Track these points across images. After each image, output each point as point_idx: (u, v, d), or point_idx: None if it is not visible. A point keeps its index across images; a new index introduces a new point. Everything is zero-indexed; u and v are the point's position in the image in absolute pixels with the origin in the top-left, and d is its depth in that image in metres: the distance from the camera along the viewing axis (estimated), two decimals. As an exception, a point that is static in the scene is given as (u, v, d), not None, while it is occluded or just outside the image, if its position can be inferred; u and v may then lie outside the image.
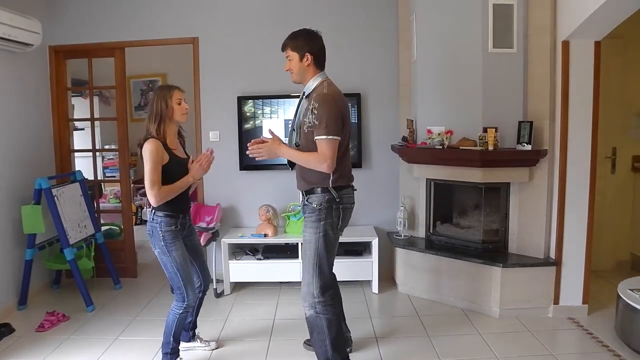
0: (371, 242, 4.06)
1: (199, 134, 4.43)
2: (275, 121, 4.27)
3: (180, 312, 2.77)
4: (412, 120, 4.01)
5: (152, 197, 2.60)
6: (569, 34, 3.25)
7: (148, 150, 2.60)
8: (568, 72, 3.36)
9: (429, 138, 3.74)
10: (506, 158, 3.50)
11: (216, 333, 3.40)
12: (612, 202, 4.38)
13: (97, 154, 4.86)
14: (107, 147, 6.12)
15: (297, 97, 2.82)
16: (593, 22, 3.03)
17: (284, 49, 2.65)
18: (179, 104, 2.72)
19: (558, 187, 3.45)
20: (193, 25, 4.36)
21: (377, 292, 4.08)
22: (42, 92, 4.38)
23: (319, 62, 2.65)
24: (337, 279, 2.92)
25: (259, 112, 4.32)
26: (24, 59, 4.05)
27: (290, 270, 4.08)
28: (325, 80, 2.63)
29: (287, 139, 2.82)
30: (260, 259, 4.13)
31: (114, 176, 6.39)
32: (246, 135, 4.26)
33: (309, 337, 3.13)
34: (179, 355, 2.88)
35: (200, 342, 3.15)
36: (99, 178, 5.09)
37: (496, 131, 3.46)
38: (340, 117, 2.53)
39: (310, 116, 2.52)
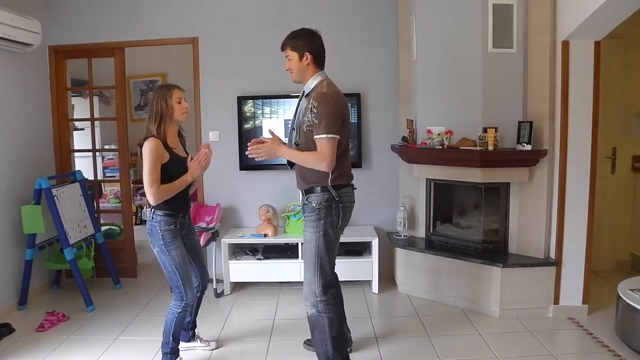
0: (371, 242, 4.06)
1: (198, 134, 4.43)
2: (275, 121, 4.27)
3: (179, 311, 2.77)
4: (412, 120, 4.01)
5: (150, 196, 2.60)
6: (569, 34, 3.25)
7: (147, 149, 2.61)
8: (568, 72, 3.36)
9: (429, 138, 3.74)
10: (506, 158, 3.50)
11: (216, 333, 3.40)
12: (612, 202, 4.38)
13: (97, 154, 4.86)
14: (107, 147, 6.12)
15: (297, 97, 2.82)
16: (593, 22, 3.03)
17: (283, 48, 2.65)
18: (179, 103, 2.72)
19: (558, 187, 3.45)
20: (193, 25, 4.36)
21: (377, 292, 4.08)
22: (42, 92, 4.38)
23: (319, 62, 2.65)
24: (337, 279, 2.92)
25: (259, 112, 4.32)
26: (24, 59, 4.05)
27: (290, 270, 4.08)
28: (325, 79, 2.64)
29: (287, 138, 2.82)
30: (260, 259, 4.13)
31: (114, 176, 6.38)
32: (246, 135, 4.26)
33: (308, 337, 3.14)
34: (178, 355, 2.88)
35: (200, 342, 3.15)
36: (98, 178, 5.09)
37: (496, 131, 3.46)
38: (340, 116, 2.54)
39: (310, 115, 2.52)
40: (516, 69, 3.51)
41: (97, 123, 4.83)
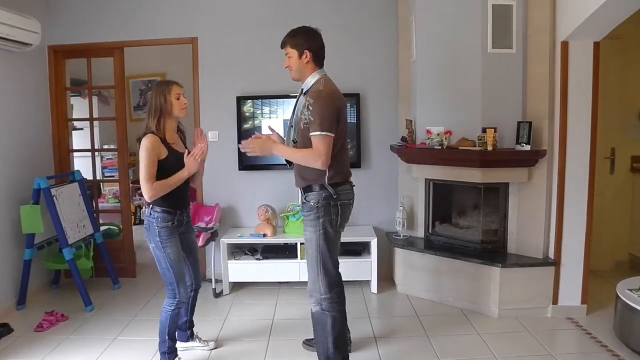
0: (370, 242, 4.06)
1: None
2: (274, 121, 4.27)
3: (172, 308, 2.77)
4: (411, 121, 4.01)
5: (145, 192, 2.61)
6: (568, 35, 3.26)
7: (144, 146, 2.61)
8: (567, 72, 3.36)
9: (428, 138, 3.75)
10: (505, 158, 3.51)
11: (215, 333, 3.40)
12: (611, 202, 4.39)
13: (96, 153, 4.85)
14: (106, 147, 6.11)
15: (296, 97, 2.82)
16: (592, 23, 3.03)
17: (283, 46, 2.66)
18: (178, 98, 2.72)
19: (557, 187, 3.45)
20: (192, 25, 4.36)
21: (376, 292, 4.08)
22: (41, 92, 4.37)
23: (318, 60, 2.65)
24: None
25: (258, 112, 4.32)
26: (23, 58, 4.05)
27: (289, 270, 4.08)
28: (323, 77, 2.64)
29: (286, 135, 2.83)
30: (259, 259, 4.13)
31: (113, 176, 6.38)
32: (245, 135, 4.25)
33: (307, 337, 3.15)
34: (177, 355, 2.88)
35: (199, 342, 3.15)
36: (97, 178, 5.08)
37: (495, 131, 3.46)
38: (336, 114, 2.54)
39: (307, 113, 2.53)
40: (515, 69, 3.51)
41: (96, 123, 4.82)
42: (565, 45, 3.34)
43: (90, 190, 4.69)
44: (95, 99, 6.34)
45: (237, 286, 4.28)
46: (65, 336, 3.40)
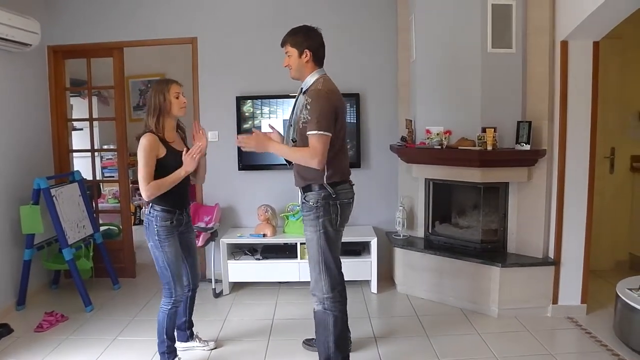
0: (370, 242, 4.06)
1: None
2: (274, 121, 4.26)
3: (169, 307, 2.77)
4: (411, 120, 4.01)
5: (143, 191, 2.61)
6: (568, 34, 3.26)
7: (142, 145, 2.61)
8: (567, 72, 3.36)
9: (428, 138, 3.75)
10: (505, 158, 3.51)
11: (215, 333, 3.40)
12: (611, 202, 4.39)
13: (96, 154, 4.85)
14: (105, 147, 6.11)
15: (295, 96, 2.82)
16: (591, 23, 3.03)
17: (283, 44, 2.66)
18: (177, 97, 2.72)
19: (557, 187, 3.45)
20: (192, 25, 4.36)
21: (376, 292, 4.08)
22: (40, 92, 4.37)
23: (318, 59, 2.65)
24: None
25: (258, 112, 4.32)
26: (23, 59, 4.05)
27: (289, 270, 4.08)
28: (323, 77, 2.64)
29: (285, 134, 2.83)
30: (259, 259, 4.13)
31: (113, 176, 6.38)
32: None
33: (307, 337, 3.15)
34: (176, 355, 2.88)
35: (199, 342, 3.15)
36: (97, 178, 5.08)
37: (495, 131, 3.46)
38: (333, 113, 2.54)
39: (305, 112, 2.53)
40: (515, 69, 3.51)
41: (95, 123, 4.82)
42: (564, 44, 3.34)
43: (90, 190, 4.69)
44: (94, 99, 6.34)
45: (237, 286, 4.28)
46: (65, 336, 3.39)
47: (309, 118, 2.50)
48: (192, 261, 3.01)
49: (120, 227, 4.78)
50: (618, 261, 4.45)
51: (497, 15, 3.47)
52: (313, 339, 3.02)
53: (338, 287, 2.69)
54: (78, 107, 5.96)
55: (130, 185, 5.13)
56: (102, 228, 4.69)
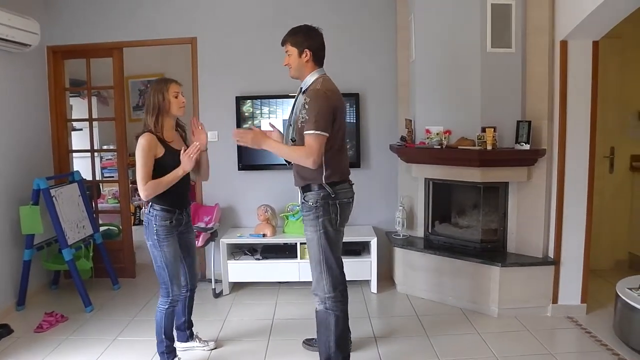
0: (370, 241, 4.06)
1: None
2: (273, 121, 4.26)
3: (166, 307, 2.77)
4: (410, 120, 4.01)
5: (141, 191, 2.62)
6: (567, 34, 3.26)
7: (140, 145, 2.61)
8: (566, 71, 3.36)
9: (428, 138, 3.75)
10: (505, 158, 3.51)
11: (215, 333, 3.40)
12: (611, 202, 4.39)
13: (96, 154, 4.84)
14: (105, 147, 6.11)
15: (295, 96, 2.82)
16: (591, 22, 3.04)
17: (283, 43, 2.67)
18: (176, 97, 2.71)
19: (556, 186, 3.45)
20: (191, 25, 4.36)
21: (375, 291, 4.08)
22: (40, 93, 4.37)
23: (318, 59, 2.65)
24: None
25: (257, 112, 4.32)
26: (22, 59, 4.05)
27: (288, 270, 4.08)
28: (322, 76, 2.64)
29: (284, 134, 2.83)
30: (258, 259, 4.13)
31: (112, 176, 6.38)
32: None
33: (307, 337, 3.15)
34: (176, 355, 2.88)
35: (199, 342, 3.15)
36: (97, 178, 5.07)
37: (495, 131, 3.46)
38: (331, 113, 2.53)
39: (303, 111, 2.54)
40: (515, 68, 3.51)
41: (95, 123, 4.82)
42: (564, 44, 3.34)
43: (90, 190, 4.69)
44: (94, 100, 6.33)
45: (236, 286, 4.28)
46: (65, 337, 3.39)
47: (307, 117, 2.51)
48: (191, 261, 3.00)
49: (120, 227, 4.78)
50: (618, 261, 4.45)
51: (497, 14, 3.47)
52: (313, 338, 3.02)
53: (340, 287, 2.70)
54: (78, 107, 5.96)
55: (130, 185, 5.13)
56: (101, 228, 4.69)
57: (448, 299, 3.80)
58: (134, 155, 2.70)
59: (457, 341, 3.21)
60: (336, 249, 2.69)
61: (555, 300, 3.51)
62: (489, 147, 3.45)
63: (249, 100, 4.31)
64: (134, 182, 5.46)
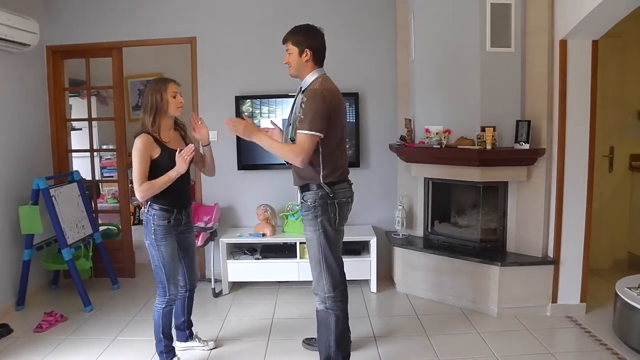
0: (369, 241, 4.06)
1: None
2: (273, 120, 4.26)
3: (164, 306, 2.77)
4: (410, 120, 4.01)
5: (136, 192, 2.63)
6: (567, 33, 3.26)
7: (136, 146, 2.62)
8: (566, 71, 3.36)
9: (427, 137, 3.75)
10: (504, 157, 3.51)
11: (214, 333, 3.40)
12: (610, 201, 4.39)
13: (95, 154, 4.84)
14: (104, 147, 6.11)
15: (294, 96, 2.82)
16: (590, 21, 3.04)
17: (284, 42, 2.67)
18: (174, 97, 2.71)
19: (556, 185, 3.45)
20: (191, 25, 4.36)
21: (375, 291, 4.08)
22: (39, 92, 4.37)
23: (318, 59, 2.65)
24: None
25: (257, 111, 4.32)
26: (22, 59, 4.04)
27: (288, 269, 4.08)
28: (322, 76, 2.64)
29: (284, 133, 2.83)
30: (258, 259, 4.13)
31: (112, 176, 6.38)
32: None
33: (307, 336, 3.15)
34: (175, 354, 2.88)
35: (199, 341, 3.15)
36: (96, 178, 5.07)
37: (494, 130, 3.46)
38: (327, 113, 2.53)
39: (300, 110, 2.54)
40: (514, 68, 3.51)
41: (94, 123, 4.82)
42: (563, 43, 3.34)
43: (89, 190, 4.69)
44: (93, 99, 6.34)
45: (236, 286, 4.28)
46: (64, 337, 3.39)
47: (302, 117, 2.51)
48: (190, 262, 3.00)
49: (120, 227, 4.77)
50: (617, 260, 4.46)
51: (496, 14, 3.47)
52: (313, 338, 3.02)
53: (339, 287, 2.70)
54: (77, 107, 5.96)
55: (130, 185, 5.10)
56: (101, 228, 4.68)
57: (448, 299, 3.80)
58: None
59: (456, 341, 3.21)
60: (336, 249, 2.69)
61: (554, 299, 3.52)
62: (489, 147, 3.45)
63: (248, 100, 4.31)
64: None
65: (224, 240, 4.11)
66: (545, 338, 3.20)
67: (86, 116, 4.70)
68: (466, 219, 4.02)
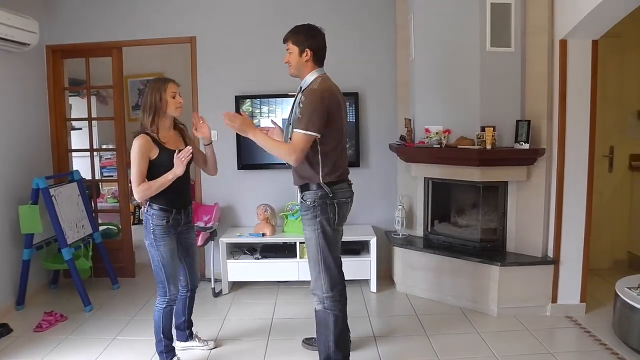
0: (369, 241, 4.06)
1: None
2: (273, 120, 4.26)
3: (164, 306, 2.77)
4: (410, 119, 4.01)
5: (134, 193, 2.63)
6: (567, 33, 3.26)
7: (134, 147, 2.62)
8: (566, 71, 3.36)
9: (427, 137, 3.75)
10: (504, 157, 3.51)
11: (214, 332, 3.40)
12: (610, 201, 4.39)
13: (95, 153, 4.84)
14: (104, 146, 6.10)
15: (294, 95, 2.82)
16: (590, 21, 3.04)
17: (285, 41, 2.67)
18: (173, 97, 2.71)
19: (556, 185, 3.45)
20: (191, 24, 4.36)
21: (375, 291, 4.08)
22: (39, 92, 4.36)
23: (318, 59, 2.65)
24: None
25: (257, 111, 4.32)
26: (21, 58, 4.04)
27: (288, 269, 4.08)
28: (321, 76, 2.64)
29: (285, 132, 2.83)
30: (258, 258, 4.13)
31: (112, 176, 6.37)
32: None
33: (307, 336, 3.15)
34: (175, 354, 2.88)
35: (199, 341, 3.15)
36: (96, 178, 5.07)
37: (494, 130, 3.46)
38: (325, 113, 2.53)
39: (298, 110, 2.55)
40: (514, 67, 3.51)
41: (94, 123, 4.82)
42: (563, 43, 3.34)
43: (89, 190, 4.69)
44: (93, 99, 6.33)
45: (236, 285, 4.28)
46: (64, 336, 3.39)
47: (299, 116, 2.52)
48: (191, 262, 3.00)
49: (120, 226, 4.77)
50: (617, 260, 4.46)
51: (496, 14, 3.47)
52: (312, 338, 3.02)
53: (338, 287, 2.70)
54: (77, 106, 5.95)
55: (129, 184, 5.12)
56: (101, 228, 4.68)
57: (447, 299, 3.80)
58: (132, 154, 2.69)
59: (456, 340, 3.21)
60: (334, 249, 2.69)
61: (554, 299, 3.52)
62: (489, 147, 3.45)
63: (248, 100, 4.31)
64: (133, 182, 5.48)
65: (224, 239, 4.11)
66: (545, 338, 3.20)
67: (86, 116, 4.70)
68: (466, 218, 4.02)
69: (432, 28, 3.77)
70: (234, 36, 4.36)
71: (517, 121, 3.47)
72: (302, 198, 2.67)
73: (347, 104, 4.01)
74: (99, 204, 5.08)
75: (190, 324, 3.14)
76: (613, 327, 3.21)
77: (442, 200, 4.13)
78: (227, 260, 4.11)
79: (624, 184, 4.44)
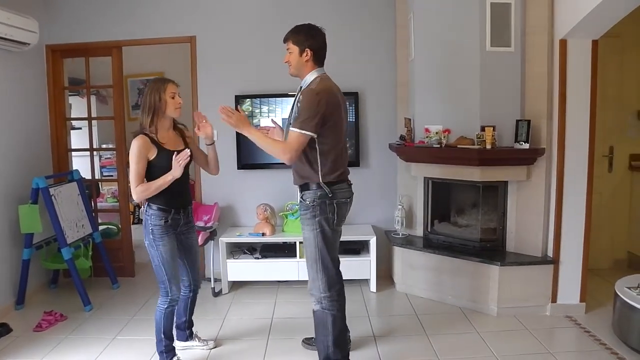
0: (369, 240, 4.06)
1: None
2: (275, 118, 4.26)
3: (165, 307, 2.77)
4: (409, 119, 4.01)
5: (133, 193, 2.64)
6: (567, 33, 3.26)
7: (132, 148, 2.62)
8: (565, 70, 3.36)
9: (427, 137, 3.75)
10: (504, 157, 3.51)
11: (214, 332, 3.40)
12: (610, 201, 4.39)
13: (95, 153, 4.84)
14: (104, 146, 6.10)
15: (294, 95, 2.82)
16: (590, 21, 3.04)
17: (285, 40, 2.67)
18: (173, 97, 2.70)
19: (556, 185, 3.46)
20: (191, 24, 4.35)
21: (375, 290, 4.08)
22: (39, 91, 4.36)
23: (318, 59, 2.65)
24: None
25: (257, 111, 4.32)
26: (21, 58, 4.04)
27: (288, 269, 4.08)
28: (321, 76, 2.64)
29: (285, 132, 2.83)
30: (258, 258, 4.13)
31: (112, 175, 6.37)
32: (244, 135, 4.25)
33: (307, 336, 3.15)
34: (175, 354, 2.88)
35: (199, 341, 3.15)
36: (96, 177, 5.07)
37: (494, 130, 3.46)
38: (322, 113, 2.52)
39: (296, 109, 2.56)
40: (514, 67, 3.51)
41: (94, 122, 4.82)
42: (563, 43, 3.34)
43: (89, 189, 4.69)
44: (93, 98, 6.33)
45: (236, 285, 4.28)
46: (64, 336, 3.39)
47: (297, 116, 2.53)
48: (193, 262, 2.99)
49: (119, 226, 4.77)
50: (616, 260, 4.46)
51: (496, 13, 3.47)
52: (312, 338, 3.02)
53: (335, 287, 2.69)
54: (77, 106, 5.95)
55: (129, 184, 5.12)
56: (101, 227, 4.68)
57: (447, 298, 3.80)
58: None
59: (456, 340, 3.21)
60: (332, 249, 2.69)
61: (554, 299, 3.52)
62: (488, 146, 3.45)
63: (248, 99, 4.31)
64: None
65: (224, 239, 4.11)
66: (545, 338, 3.20)
67: (86, 115, 4.70)
68: (466, 218, 4.02)
69: (432, 28, 3.77)
70: (234, 36, 4.36)
71: (517, 121, 3.48)
72: (301, 198, 2.67)
73: (347, 103, 4.03)
74: (98, 204, 5.08)
75: (190, 323, 3.14)
76: (613, 327, 3.22)
77: (442, 200, 4.13)
78: (227, 260, 4.11)
79: (623, 184, 4.45)
